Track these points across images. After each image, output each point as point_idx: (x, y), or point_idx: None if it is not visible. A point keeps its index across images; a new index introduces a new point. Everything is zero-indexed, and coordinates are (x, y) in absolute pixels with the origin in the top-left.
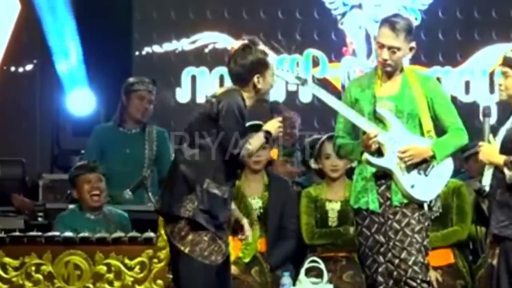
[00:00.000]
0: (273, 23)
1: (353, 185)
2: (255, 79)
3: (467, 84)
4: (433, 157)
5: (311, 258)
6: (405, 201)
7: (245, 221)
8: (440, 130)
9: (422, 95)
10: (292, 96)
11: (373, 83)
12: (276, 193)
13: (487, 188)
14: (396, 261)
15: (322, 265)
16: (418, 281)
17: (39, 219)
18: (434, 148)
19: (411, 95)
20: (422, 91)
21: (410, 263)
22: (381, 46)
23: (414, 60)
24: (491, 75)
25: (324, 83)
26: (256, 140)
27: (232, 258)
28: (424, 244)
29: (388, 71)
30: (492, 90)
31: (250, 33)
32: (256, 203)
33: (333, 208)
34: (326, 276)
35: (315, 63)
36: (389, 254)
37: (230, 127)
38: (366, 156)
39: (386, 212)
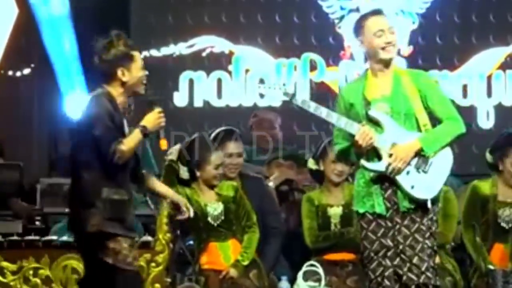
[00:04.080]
0: (271, 27)
1: (356, 190)
2: (119, 72)
3: (464, 88)
4: (421, 148)
5: (309, 262)
6: (412, 206)
7: (179, 199)
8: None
9: (415, 90)
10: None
11: (364, 85)
12: (250, 193)
13: None
14: (407, 265)
15: (320, 269)
16: (430, 286)
17: (37, 223)
18: (421, 139)
19: (404, 94)
20: (415, 86)
21: (423, 269)
22: (381, 31)
23: (412, 64)
24: (489, 79)
25: (322, 87)
26: (131, 139)
27: (231, 261)
28: (434, 249)
29: (391, 58)
30: (489, 94)
31: (248, 37)
32: None
33: (335, 213)
34: (323, 280)
35: (313, 67)
36: (398, 259)
37: (99, 135)
38: (362, 162)
39: (394, 216)
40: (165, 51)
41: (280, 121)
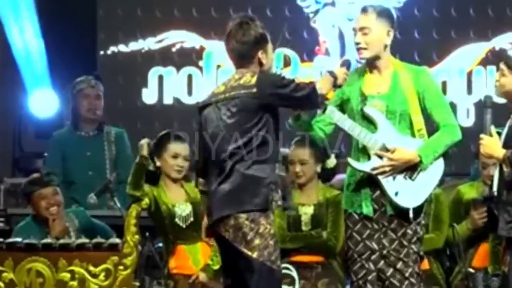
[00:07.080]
0: None
1: (345, 187)
2: (260, 55)
3: (444, 84)
4: (420, 161)
5: (283, 265)
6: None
7: None
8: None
9: (414, 91)
10: None
11: (362, 80)
12: None
13: (496, 194)
14: (391, 270)
15: (294, 273)
16: None
17: (0, 224)
18: (421, 152)
19: (402, 93)
20: (414, 86)
21: (406, 274)
22: (354, 31)
23: None
24: (469, 75)
25: None
26: (323, 83)
27: (200, 264)
28: (420, 254)
29: (365, 58)
30: (469, 90)
31: (220, 32)
32: None
33: (306, 212)
34: (297, 283)
35: (287, 62)
36: (382, 262)
37: (286, 83)
38: (349, 160)
39: (381, 219)
40: (134, 46)
41: None
